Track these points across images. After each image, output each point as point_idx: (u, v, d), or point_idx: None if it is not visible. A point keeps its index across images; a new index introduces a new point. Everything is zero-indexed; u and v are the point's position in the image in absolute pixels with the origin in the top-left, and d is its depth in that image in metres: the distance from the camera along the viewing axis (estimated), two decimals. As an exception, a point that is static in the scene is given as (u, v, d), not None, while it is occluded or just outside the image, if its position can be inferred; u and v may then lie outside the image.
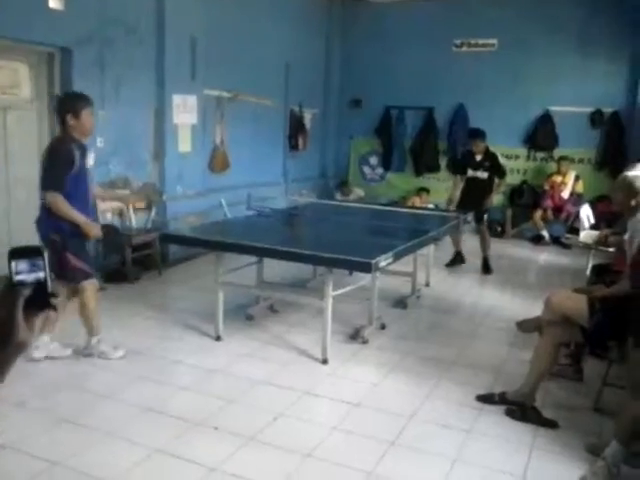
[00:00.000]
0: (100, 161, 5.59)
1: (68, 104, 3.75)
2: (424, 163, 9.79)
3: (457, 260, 6.98)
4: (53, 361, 3.85)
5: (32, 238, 5.46)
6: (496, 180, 6.78)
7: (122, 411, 3.29)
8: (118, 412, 3.27)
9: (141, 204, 6.24)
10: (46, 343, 3.87)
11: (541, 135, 9.17)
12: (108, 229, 4.03)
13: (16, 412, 3.21)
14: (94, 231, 3.82)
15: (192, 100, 6.73)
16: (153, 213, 6.38)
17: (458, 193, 6.88)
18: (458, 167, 7.04)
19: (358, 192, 10.00)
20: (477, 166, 6.73)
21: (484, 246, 6.81)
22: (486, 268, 6.78)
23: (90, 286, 3.86)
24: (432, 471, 2.83)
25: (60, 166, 3.64)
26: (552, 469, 2.90)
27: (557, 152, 9.08)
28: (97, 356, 3.92)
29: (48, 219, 3.74)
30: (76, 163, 3.67)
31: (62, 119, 3.72)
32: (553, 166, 9.03)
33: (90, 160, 3.94)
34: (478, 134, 6.87)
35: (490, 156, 6.75)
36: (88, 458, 2.81)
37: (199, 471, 2.73)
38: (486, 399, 3.54)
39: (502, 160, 7.01)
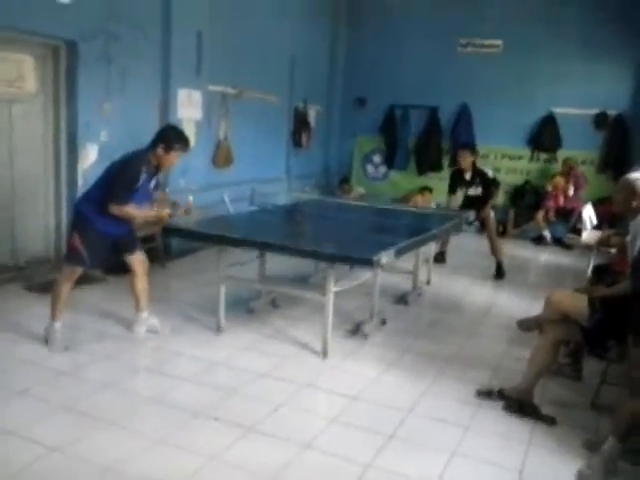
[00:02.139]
0: (104, 155, 5.62)
1: (169, 136, 3.95)
2: (427, 162, 9.81)
3: (438, 259, 6.93)
4: (55, 351, 3.88)
5: (35, 230, 5.53)
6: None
7: (123, 401, 3.31)
8: (119, 401, 3.30)
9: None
10: (145, 318, 4.22)
11: (545, 136, 9.19)
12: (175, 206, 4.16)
13: (17, 399, 3.24)
14: (164, 214, 4.02)
15: (197, 95, 6.75)
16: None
17: (455, 205, 6.85)
18: (449, 187, 6.95)
19: (359, 190, 10.02)
20: (468, 185, 6.71)
21: (495, 251, 6.70)
22: (499, 273, 6.66)
23: (69, 270, 3.94)
24: (430, 464, 2.85)
25: (126, 184, 3.79)
26: (549, 464, 2.92)
27: (561, 154, 9.10)
28: (45, 340, 3.95)
29: (86, 202, 3.95)
30: (139, 184, 3.83)
31: (155, 144, 3.90)
32: (556, 167, 9.05)
33: (152, 184, 4.05)
34: (464, 146, 6.91)
35: (479, 173, 6.71)
36: (88, 445, 2.83)
37: (199, 460, 2.75)
38: (485, 395, 3.56)
39: (494, 173, 7.07)
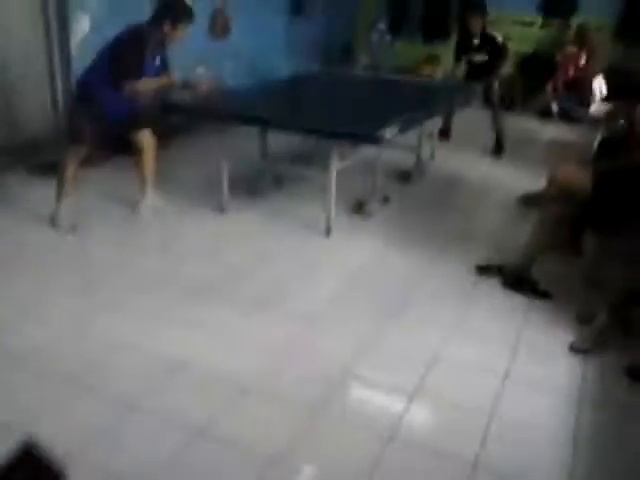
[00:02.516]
0: (96, 26, 5.34)
1: (175, 11, 3.78)
2: (435, 29, 9.33)
3: (442, 135, 6.76)
4: (53, 234, 3.93)
5: (32, 109, 5.38)
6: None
7: (131, 280, 3.38)
8: (127, 281, 3.37)
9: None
10: (150, 198, 4.23)
11: (559, -1, 8.66)
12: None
13: (24, 281, 3.33)
14: (169, 80, 3.93)
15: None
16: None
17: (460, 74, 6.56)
18: (455, 53, 6.57)
19: (364, 60, 9.63)
20: (476, 51, 6.33)
21: (496, 123, 6.51)
22: (498, 149, 6.52)
23: (74, 150, 3.91)
24: (430, 337, 2.98)
25: (135, 60, 3.69)
26: (544, 337, 3.05)
27: (574, 20, 8.62)
28: (51, 221, 3.97)
29: (93, 77, 3.82)
30: (144, 59, 3.72)
31: (160, 19, 3.75)
32: (569, 34, 8.61)
33: (157, 61, 3.91)
34: (474, 7, 6.33)
35: (488, 38, 6.32)
36: (100, 324, 2.94)
37: (206, 332, 2.89)
38: (484, 270, 3.65)
39: (503, 38, 6.57)
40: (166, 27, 3.74)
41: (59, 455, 1.21)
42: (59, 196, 3.96)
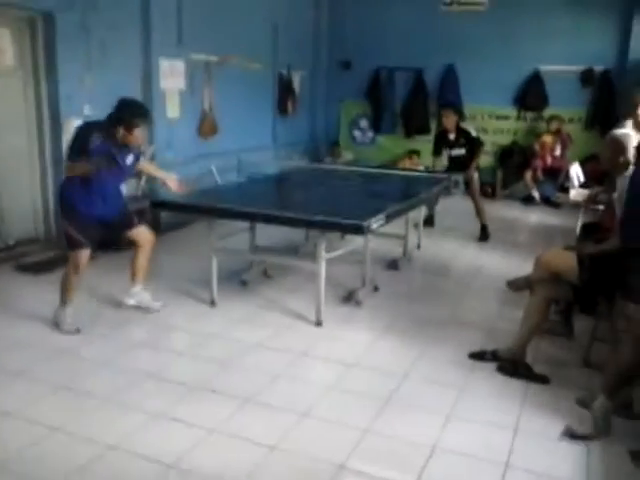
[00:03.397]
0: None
1: (126, 116, 3.71)
2: (414, 125, 9.74)
3: (427, 222, 6.89)
4: (46, 331, 3.88)
5: (23, 209, 5.46)
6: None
7: (120, 378, 3.32)
8: (116, 379, 3.30)
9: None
10: (138, 292, 4.17)
11: (531, 95, 9.14)
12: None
13: (15, 379, 3.25)
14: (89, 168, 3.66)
15: (179, 65, 6.63)
16: (143, 180, 6.34)
17: (440, 167, 6.88)
18: (434, 149, 6.95)
19: (347, 155, 9.97)
20: (452, 145, 6.70)
21: (479, 212, 6.71)
22: (484, 235, 6.67)
23: (74, 256, 3.82)
24: (427, 427, 2.90)
25: (74, 144, 3.70)
26: (543, 421, 2.97)
27: (547, 112, 9.06)
28: (55, 324, 3.89)
29: (64, 185, 3.89)
30: (91, 147, 3.61)
31: (114, 124, 3.71)
32: (543, 126, 9.02)
33: (129, 160, 3.90)
34: (447, 105, 6.91)
35: (462, 133, 6.69)
36: (88, 424, 2.85)
37: (199, 433, 2.79)
38: (478, 356, 3.61)
39: (478, 133, 7.01)
40: (122, 132, 3.72)
41: None
42: (63, 302, 3.91)
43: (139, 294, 4.22)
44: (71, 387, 3.20)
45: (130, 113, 3.74)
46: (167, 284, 4.80)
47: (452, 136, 6.68)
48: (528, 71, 9.09)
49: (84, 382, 3.26)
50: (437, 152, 6.89)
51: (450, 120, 6.66)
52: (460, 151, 6.65)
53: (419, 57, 9.42)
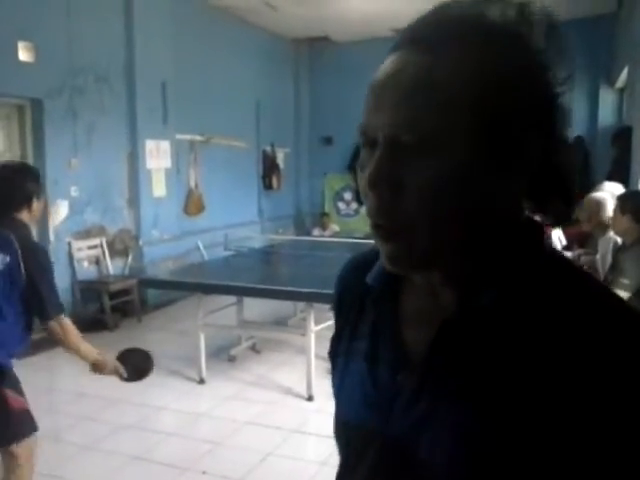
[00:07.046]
0: (75, 210, 5.60)
1: (36, 183, 2.53)
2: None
3: None
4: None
5: None
6: None
7: (107, 461, 3.21)
8: (103, 463, 3.20)
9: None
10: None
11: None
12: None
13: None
14: (108, 369, 2.62)
15: (165, 145, 6.78)
16: (130, 259, 6.35)
17: None
18: None
19: (334, 227, 10.09)
20: None
21: None
22: None
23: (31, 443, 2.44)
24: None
25: (53, 274, 2.39)
26: None
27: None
28: None
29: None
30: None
31: (28, 202, 2.42)
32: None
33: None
34: None
35: None
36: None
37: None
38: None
39: None
40: (26, 214, 2.42)
41: None
42: None
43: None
44: (55, 475, 3.08)
45: (35, 176, 2.60)
46: (155, 363, 4.70)
47: None
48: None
49: (68, 468, 3.14)
50: None
51: None
52: None
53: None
